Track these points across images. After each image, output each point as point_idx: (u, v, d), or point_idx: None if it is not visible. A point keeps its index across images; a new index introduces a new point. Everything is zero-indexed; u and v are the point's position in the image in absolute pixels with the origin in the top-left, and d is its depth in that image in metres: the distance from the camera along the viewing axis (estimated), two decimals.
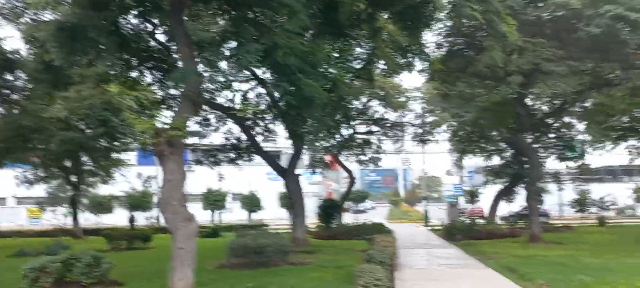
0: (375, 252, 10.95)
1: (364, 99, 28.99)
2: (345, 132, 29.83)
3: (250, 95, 21.28)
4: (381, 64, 21.46)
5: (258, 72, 18.60)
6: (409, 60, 15.18)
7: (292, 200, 21.69)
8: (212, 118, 23.49)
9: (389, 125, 31.17)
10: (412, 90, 31.29)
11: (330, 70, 14.05)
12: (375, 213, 60.86)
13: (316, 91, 11.13)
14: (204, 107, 21.04)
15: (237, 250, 14.40)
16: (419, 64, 19.05)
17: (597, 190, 38.08)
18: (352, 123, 29.56)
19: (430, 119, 33.03)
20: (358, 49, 19.58)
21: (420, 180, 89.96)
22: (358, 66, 20.64)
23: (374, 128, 31.19)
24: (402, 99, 30.49)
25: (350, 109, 26.86)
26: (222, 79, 16.00)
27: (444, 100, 25.06)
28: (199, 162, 26.28)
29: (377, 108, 30.50)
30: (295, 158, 22.13)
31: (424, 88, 31.00)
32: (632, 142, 31.66)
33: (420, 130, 32.79)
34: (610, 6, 14.34)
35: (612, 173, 54.71)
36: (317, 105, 13.48)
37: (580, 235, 24.78)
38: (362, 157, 32.52)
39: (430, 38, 33.34)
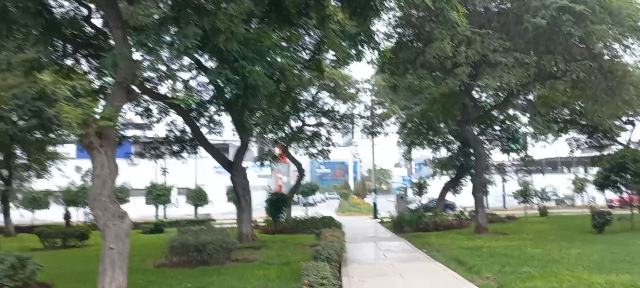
0: (322, 248, 10.53)
1: (313, 91, 28.57)
2: (294, 124, 29.43)
3: (193, 83, 20.43)
4: (331, 55, 21.06)
5: (202, 60, 17.81)
6: (358, 49, 14.79)
7: (238, 194, 21.01)
8: (154, 109, 22.40)
9: (338, 117, 30.94)
10: (361, 82, 31.20)
11: (278, 59, 13.46)
12: (325, 206, 60.87)
13: (261, 79, 10.51)
14: (145, 97, 20.02)
15: (177, 248, 13.65)
16: (368, 54, 18.75)
17: (538, 182, 39.17)
18: (301, 115, 29.15)
19: (379, 111, 33.06)
20: (307, 39, 19.09)
21: (369, 172, 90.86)
22: (307, 56, 20.18)
23: (324, 120, 30.86)
24: (352, 90, 30.31)
25: (299, 100, 26.40)
26: (162, 67, 15.19)
27: (393, 92, 24.97)
28: (141, 155, 25.21)
29: (326, 100, 30.19)
30: (241, 150, 21.42)
31: (373, 80, 30.95)
32: (572, 134, 32.78)
33: (369, 123, 32.75)
34: None
35: (553, 165, 56.75)
36: (263, 95, 12.90)
37: (523, 226, 25.32)
38: (312, 150, 32.22)
39: (379, 28, 33.24)
